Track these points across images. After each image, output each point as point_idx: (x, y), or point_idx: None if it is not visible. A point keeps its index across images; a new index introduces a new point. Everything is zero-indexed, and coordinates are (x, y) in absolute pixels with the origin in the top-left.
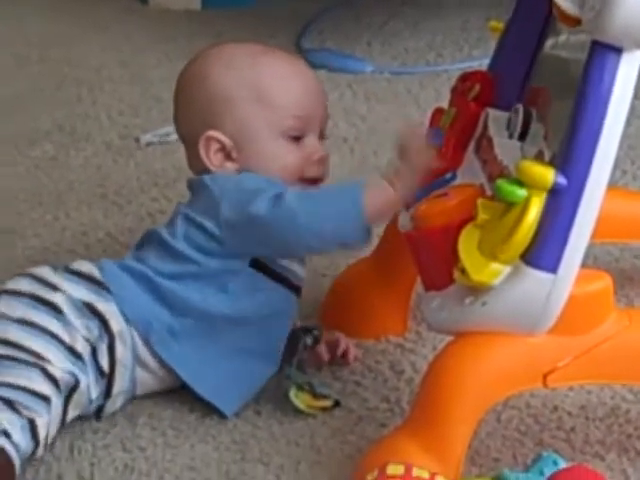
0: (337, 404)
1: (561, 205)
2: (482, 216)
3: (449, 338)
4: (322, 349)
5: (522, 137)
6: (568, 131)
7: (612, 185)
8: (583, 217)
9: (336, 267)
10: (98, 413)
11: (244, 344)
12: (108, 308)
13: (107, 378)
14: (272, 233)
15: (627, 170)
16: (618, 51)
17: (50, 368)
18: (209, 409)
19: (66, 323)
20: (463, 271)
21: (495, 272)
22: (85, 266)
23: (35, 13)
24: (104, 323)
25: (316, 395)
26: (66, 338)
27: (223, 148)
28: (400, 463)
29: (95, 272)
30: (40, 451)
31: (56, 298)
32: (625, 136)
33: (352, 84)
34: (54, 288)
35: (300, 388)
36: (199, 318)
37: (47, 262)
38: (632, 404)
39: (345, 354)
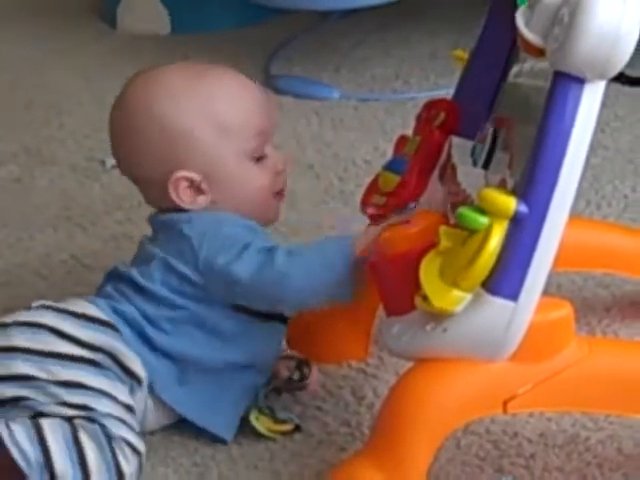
0: (297, 428)
1: (522, 233)
2: (444, 243)
3: (411, 364)
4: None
5: (486, 165)
6: (530, 160)
7: (576, 215)
8: (544, 246)
9: None
10: None
11: (243, 379)
12: (128, 357)
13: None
14: (258, 294)
15: (591, 200)
16: (581, 82)
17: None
18: (170, 431)
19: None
20: (425, 298)
21: (456, 299)
22: (87, 308)
23: (4, 37)
24: (127, 371)
25: (277, 419)
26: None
27: (192, 184)
28: None
29: (100, 314)
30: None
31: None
32: (589, 166)
33: (319, 110)
34: (77, 342)
35: (261, 412)
36: (196, 363)
37: (10, 284)
38: (592, 432)
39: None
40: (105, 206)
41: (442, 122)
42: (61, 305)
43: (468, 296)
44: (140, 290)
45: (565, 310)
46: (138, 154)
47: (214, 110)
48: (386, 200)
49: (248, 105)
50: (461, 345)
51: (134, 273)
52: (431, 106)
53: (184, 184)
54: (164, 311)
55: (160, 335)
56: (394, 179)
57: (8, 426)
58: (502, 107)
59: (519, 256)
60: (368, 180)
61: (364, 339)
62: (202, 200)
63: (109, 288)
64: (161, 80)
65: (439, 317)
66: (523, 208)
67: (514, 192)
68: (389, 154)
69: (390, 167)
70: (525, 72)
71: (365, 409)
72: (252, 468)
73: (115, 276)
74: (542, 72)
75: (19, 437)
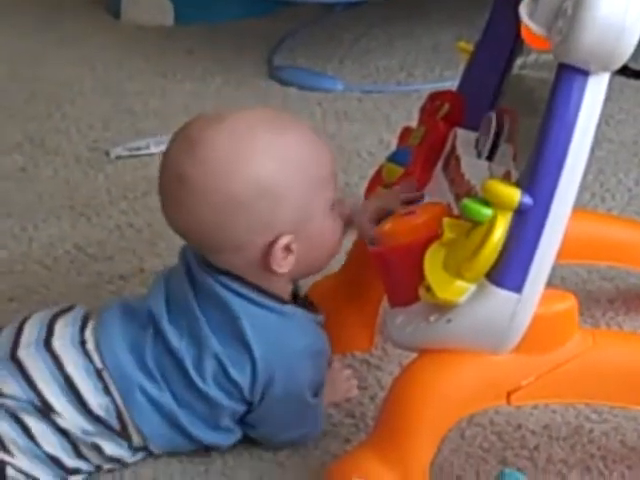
0: None
1: (527, 225)
2: (448, 235)
3: (415, 355)
4: None
5: (490, 157)
6: (534, 152)
7: (581, 207)
8: (548, 237)
9: (304, 282)
10: None
11: None
12: (115, 450)
13: None
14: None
15: (595, 192)
16: (585, 74)
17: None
18: None
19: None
20: (428, 289)
21: (460, 290)
22: (92, 394)
23: (7, 27)
24: (103, 455)
25: None
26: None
27: (285, 246)
28: (363, 478)
29: (101, 410)
30: None
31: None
32: (594, 159)
33: (322, 102)
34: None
35: None
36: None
37: (14, 273)
38: (596, 424)
39: None
40: (109, 196)
41: (446, 113)
42: (68, 367)
43: (472, 287)
44: (189, 383)
45: (569, 302)
46: (233, 222)
47: (307, 166)
48: None
49: (327, 154)
50: (465, 336)
51: (187, 361)
52: (435, 97)
53: (281, 247)
54: (213, 410)
55: (199, 430)
56: (398, 170)
57: None
58: (506, 99)
59: (523, 248)
60: (372, 172)
61: (369, 330)
62: (291, 260)
63: (150, 357)
64: (246, 137)
65: (443, 308)
66: (527, 200)
67: (518, 184)
68: (393, 146)
69: (394, 158)
70: (529, 64)
71: (369, 400)
72: (257, 459)
73: (163, 342)
74: (547, 64)
75: None
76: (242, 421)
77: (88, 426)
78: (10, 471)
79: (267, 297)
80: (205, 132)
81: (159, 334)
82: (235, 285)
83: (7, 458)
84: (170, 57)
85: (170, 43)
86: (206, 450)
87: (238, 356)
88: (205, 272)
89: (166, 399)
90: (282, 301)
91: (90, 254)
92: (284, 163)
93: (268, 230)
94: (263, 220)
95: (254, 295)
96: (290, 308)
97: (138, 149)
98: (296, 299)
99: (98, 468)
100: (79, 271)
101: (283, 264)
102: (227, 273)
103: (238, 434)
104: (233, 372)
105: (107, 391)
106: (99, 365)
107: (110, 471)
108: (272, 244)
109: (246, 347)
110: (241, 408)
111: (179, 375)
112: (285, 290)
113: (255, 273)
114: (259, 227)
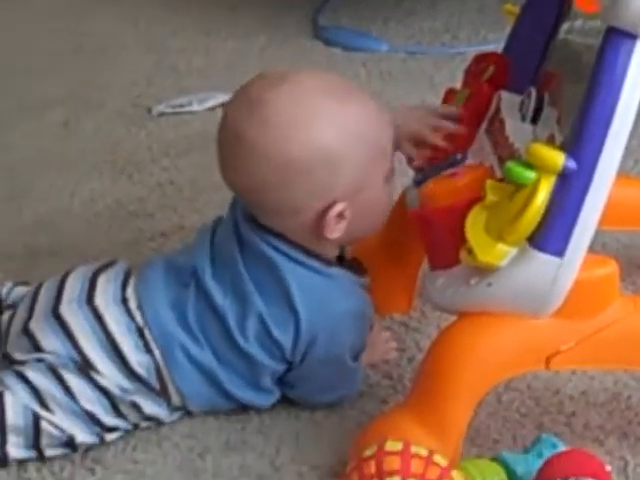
0: None
1: (570, 189)
2: (490, 197)
3: (454, 318)
4: None
5: (534, 120)
6: (580, 116)
7: (625, 173)
8: (591, 202)
9: None
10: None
11: None
12: (153, 409)
13: None
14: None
15: (639, 159)
16: (633, 38)
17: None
18: None
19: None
20: (470, 251)
21: (501, 253)
22: (132, 351)
23: None
24: (142, 413)
25: None
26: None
27: (341, 213)
28: (399, 440)
29: (140, 369)
30: None
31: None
32: None
33: (367, 63)
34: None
35: None
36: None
37: (55, 227)
38: (634, 390)
39: None
40: (151, 153)
41: (491, 76)
42: (109, 324)
43: (513, 251)
44: (231, 341)
45: (610, 268)
46: (292, 186)
47: (366, 135)
48: (432, 152)
49: (387, 125)
50: (505, 300)
51: (230, 318)
52: (481, 59)
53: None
54: (254, 369)
55: (238, 389)
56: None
57: None
58: (552, 63)
59: (566, 212)
60: None
61: (408, 292)
62: (342, 226)
63: (192, 314)
64: (307, 102)
65: (484, 271)
66: (571, 164)
67: (562, 148)
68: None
69: None
70: (576, 29)
71: (406, 362)
72: (293, 418)
73: (205, 299)
74: (593, 30)
75: None
76: (281, 380)
77: (128, 384)
78: (44, 425)
79: (314, 259)
80: (266, 94)
81: (202, 290)
82: (283, 246)
83: (44, 413)
84: (213, 14)
85: (214, 1)
86: (244, 409)
87: (282, 316)
88: (253, 231)
89: (206, 357)
90: (328, 263)
91: (131, 211)
92: (344, 132)
93: (326, 196)
94: (323, 186)
95: (301, 257)
96: (336, 270)
97: (181, 106)
98: (342, 261)
99: (135, 426)
100: (120, 227)
101: (335, 229)
102: (275, 234)
103: (277, 395)
104: (276, 332)
105: (148, 349)
106: (140, 323)
107: (147, 428)
108: (326, 210)
109: (291, 308)
110: (281, 368)
111: (221, 333)
112: (332, 253)
113: (305, 236)
114: (320, 192)
